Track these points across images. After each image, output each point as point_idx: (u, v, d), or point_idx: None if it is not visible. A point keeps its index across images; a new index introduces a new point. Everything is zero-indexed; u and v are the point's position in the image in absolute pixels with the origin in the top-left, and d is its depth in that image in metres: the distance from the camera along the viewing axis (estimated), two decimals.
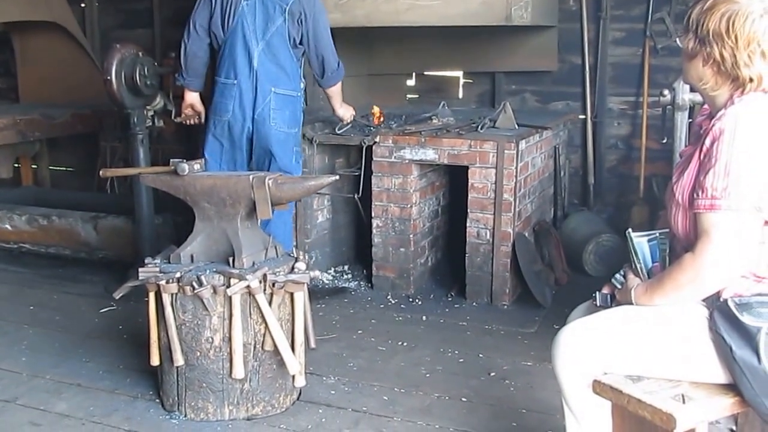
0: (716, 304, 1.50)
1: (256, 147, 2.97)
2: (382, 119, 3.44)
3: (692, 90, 1.67)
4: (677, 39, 1.58)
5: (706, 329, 1.50)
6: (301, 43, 2.94)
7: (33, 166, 4.76)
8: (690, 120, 3.01)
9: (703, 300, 1.53)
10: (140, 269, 2.22)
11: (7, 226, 3.73)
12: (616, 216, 4.00)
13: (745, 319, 1.43)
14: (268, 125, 2.92)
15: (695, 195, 1.47)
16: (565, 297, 3.21)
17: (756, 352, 1.41)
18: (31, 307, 3.25)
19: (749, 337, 1.42)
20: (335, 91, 3.14)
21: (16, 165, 4.59)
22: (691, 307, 1.53)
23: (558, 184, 3.90)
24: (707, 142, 1.47)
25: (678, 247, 1.58)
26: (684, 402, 1.46)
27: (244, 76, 2.88)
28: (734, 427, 1.97)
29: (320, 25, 2.93)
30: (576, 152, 4.12)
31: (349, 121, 3.27)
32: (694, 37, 1.49)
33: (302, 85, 3.02)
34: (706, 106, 1.63)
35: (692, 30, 1.49)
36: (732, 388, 1.49)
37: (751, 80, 1.46)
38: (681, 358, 1.52)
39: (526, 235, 3.40)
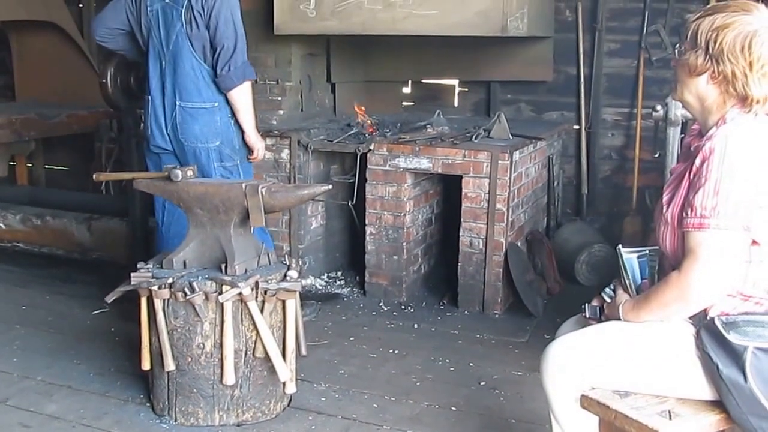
0: (703, 323, 1.52)
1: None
2: (370, 122, 3.44)
3: (684, 106, 1.68)
4: (676, 52, 1.57)
5: (693, 347, 1.51)
6: (212, 47, 2.61)
7: (28, 165, 4.76)
8: (682, 135, 3.03)
9: (690, 318, 1.54)
10: (132, 274, 2.23)
11: (1, 225, 3.72)
12: (608, 226, 4.02)
13: (732, 337, 1.45)
14: (179, 141, 2.68)
15: (684, 214, 1.48)
16: (556, 307, 3.22)
17: (742, 370, 1.42)
18: (23, 307, 3.25)
19: (736, 356, 1.44)
20: (241, 102, 2.66)
21: (11, 164, 4.58)
22: (678, 324, 1.54)
23: (551, 194, 3.92)
24: (697, 161, 1.49)
25: (666, 265, 1.60)
26: (670, 418, 1.48)
27: (157, 90, 2.69)
28: None
29: (221, 16, 2.56)
30: (570, 162, 4.14)
31: (259, 158, 2.84)
32: (705, 54, 1.47)
33: (221, 96, 2.66)
34: (696, 125, 1.65)
35: (701, 47, 1.48)
36: (718, 404, 1.51)
37: (757, 101, 1.47)
38: (668, 375, 1.53)
39: (519, 244, 3.41)
